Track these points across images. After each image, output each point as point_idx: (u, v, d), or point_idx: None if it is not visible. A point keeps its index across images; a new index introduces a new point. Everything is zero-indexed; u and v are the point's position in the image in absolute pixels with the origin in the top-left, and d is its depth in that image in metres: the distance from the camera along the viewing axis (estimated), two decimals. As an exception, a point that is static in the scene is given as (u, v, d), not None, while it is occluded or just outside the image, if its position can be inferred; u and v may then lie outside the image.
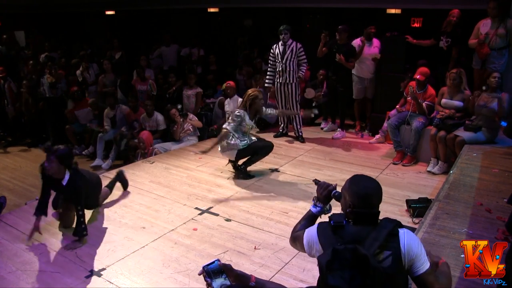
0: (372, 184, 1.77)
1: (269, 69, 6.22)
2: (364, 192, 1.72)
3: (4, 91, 8.16)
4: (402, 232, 1.69)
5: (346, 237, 1.66)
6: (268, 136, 6.50)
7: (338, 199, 1.96)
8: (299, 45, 5.92)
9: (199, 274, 1.59)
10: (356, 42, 6.27)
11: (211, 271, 1.55)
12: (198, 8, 9.73)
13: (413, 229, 3.11)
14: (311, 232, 1.82)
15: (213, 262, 1.57)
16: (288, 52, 5.88)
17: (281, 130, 6.46)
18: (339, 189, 1.99)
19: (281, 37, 5.87)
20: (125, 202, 4.15)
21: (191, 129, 6.41)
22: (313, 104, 6.89)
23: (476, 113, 4.79)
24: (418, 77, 5.20)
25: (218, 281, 1.53)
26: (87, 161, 6.88)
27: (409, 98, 5.31)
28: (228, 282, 1.54)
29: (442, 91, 5.18)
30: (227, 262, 3.06)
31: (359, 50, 6.17)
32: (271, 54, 6.11)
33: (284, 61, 5.91)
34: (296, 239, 1.95)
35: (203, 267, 1.55)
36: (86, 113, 7.38)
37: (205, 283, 1.59)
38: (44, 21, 12.26)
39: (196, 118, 6.56)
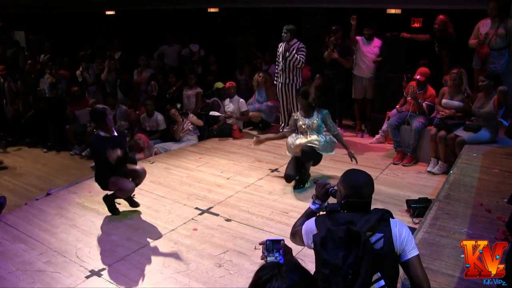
0: (364, 176, 1.91)
1: (276, 67, 6.24)
2: (356, 184, 1.87)
3: (4, 90, 8.15)
4: (393, 219, 1.82)
5: (340, 220, 1.77)
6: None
7: (334, 195, 2.08)
8: (301, 45, 5.92)
9: (260, 244, 1.64)
10: (359, 39, 6.27)
11: (272, 247, 1.60)
12: (198, 8, 9.72)
13: (413, 229, 3.12)
14: (309, 223, 1.92)
15: (279, 240, 1.62)
16: (291, 54, 5.86)
17: (281, 130, 6.45)
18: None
19: (282, 36, 5.86)
20: (125, 202, 4.14)
21: (191, 128, 6.41)
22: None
23: (474, 114, 4.80)
24: (418, 77, 5.20)
25: (272, 259, 1.58)
26: (87, 161, 6.87)
27: (409, 98, 5.32)
28: (282, 261, 1.57)
29: (442, 91, 5.18)
30: (227, 262, 3.09)
31: (352, 31, 6.13)
32: (277, 53, 6.12)
33: (283, 61, 5.91)
34: (295, 233, 2.08)
35: (266, 240, 1.61)
36: (86, 113, 7.37)
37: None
38: (44, 21, 12.25)
39: (196, 117, 6.57)
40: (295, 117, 4.60)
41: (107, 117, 3.79)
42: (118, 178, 3.84)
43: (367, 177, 1.91)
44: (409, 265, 1.75)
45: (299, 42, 5.93)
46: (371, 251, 1.65)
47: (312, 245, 1.82)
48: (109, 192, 3.97)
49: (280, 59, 5.97)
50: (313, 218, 1.91)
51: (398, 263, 1.79)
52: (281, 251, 1.59)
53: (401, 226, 1.79)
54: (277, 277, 1.18)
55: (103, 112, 3.80)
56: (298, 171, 4.46)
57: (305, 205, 4.04)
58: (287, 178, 4.43)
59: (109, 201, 3.95)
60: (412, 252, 1.76)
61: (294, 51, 5.84)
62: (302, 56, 5.86)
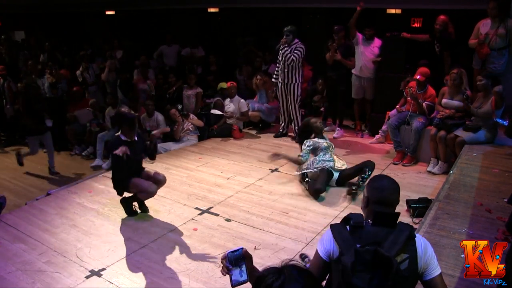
0: (389, 181, 1.84)
1: (276, 67, 6.22)
2: (380, 186, 1.80)
3: (4, 90, 8.15)
4: (418, 236, 1.75)
5: (365, 238, 1.67)
6: (268, 136, 6.52)
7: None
8: (299, 45, 5.88)
9: (222, 259, 1.58)
10: (360, 36, 6.25)
11: (234, 259, 1.55)
12: (198, 8, 9.73)
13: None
14: (324, 239, 1.79)
15: (238, 249, 1.57)
16: (285, 52, 5.83)
17: (281, 130, 6.46)
18: None
19: (283, 38, 5.83)
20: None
21: (191, 128, 6.41)
22: (312, 103, 6.90)
23: (473, 114, 4.80)
24: (418, 77, 5.20)
25: (236, 272, 1.54)
26: (87, 161, 6.87)
27: (409, 98, 5.32)
28: (245, 277, 1.54)
29: (442, 91, 5.18)
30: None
31: (353, 18, 6.04)
32: (279, 54, 6.10)
33: (283, 61, 5.89)
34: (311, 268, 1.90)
35: (228, 253, 1.56)
36: (86, 113, 7.38)
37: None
38: (44, 21, 12.25)
39: (196, 118, 6.56)
40: (314, 141, 4.58)
41: (135, 126, 3.80)
42: (139, 180, 3.80)
43: (392, 182, 1.84)
44: (432, 284, 1.71)
45: (298, 42, 5.91)
46: (401, 277, 1.59)
47: (333, 255, 1.73)
48: (127, 194, 3.96)
49: (281, 59, 5.96)
50: (327, 231, 1.79)
51: (416, 282, 1.75)
52: (243, 263, 1.55)
53: (425, 245, 1.73)
54: (289, 280, 1.19)
55: (132, 119, 3.78)
56: (326, 185, 4.38)
57: (305, 205, 4.07)
58: (318, 192, 4.23)
59: (127, 204, 3.93)
60: (435, 271, 1.71)
61: (290, 52, 5.80)
62: (295, 55, 5.81)
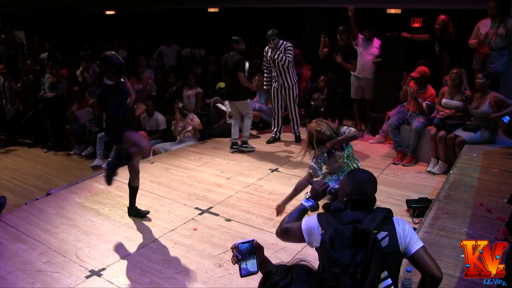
0: (367, 174, 1.98)
1: (265, 71, 6.17)
2: (359, 180, 1.91)
3: (4, 90, 8.15)
4: (395, 218, 1.84)
5: (345, 219, 1.76)
6: (268, 136, 6.50)
7: (333, 195, 2.10)
8: (287, 44, 5.75)
9: (232, 248, 1.58)
10: (360, 37, 6.24)
11: (244, 250, 1.56)
12: (198, 8, 9.73)
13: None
14: (311, 221, 1.88)
15: (250, 241, 1.57)
16: (278, 55, 5.70)
17: (273, 135, 6.26)
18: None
19: (269, 44, 5.68)
20: (125, 202, 4.14)
21: (191, 133, 6.37)
22: (312, 103, 6.89)
23: (471, 114, 4.80)
24: (413, 74, 5.20)
25: (247, 262, 1.55)
26: (87, 161, 6.88)
27: (409, 98, 5.32)
28: (255, 269, 1.55)
29: (442, 91, 5.18)
30: (227, 262, 3.09)
31: (351, 23, 6.03)
32: (264, 58, 6.02)
33: (276, 66, 5.79)
34: (288, 230, 1.98)
35: (238, 243, 1.56)
36: (86, 113, 7.39)
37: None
38: (44, 21, 12.25)
39: (197, 118, 6.52)
40: (326, 159, 3.51)
41: (121, 71, 3.61)
42: (131, 132, 3.73)
43: (370, 175, 1.96)
44: (417, 257, 1.74)
45: (285, 42, 5.76)
46: (380, 248, 1.66)
47: (315, 244, 1.81)
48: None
49: (271, 64, 5.86)
50: (314, 216, 1.87)
51: (401, 261, 1.81)
52: (254, 254, 1.56)
53: (403, 224, 1.81)
54: (297, 280, 1.20)
55: (119, 64, 3.55)
56: None
57: (305, 205, 4.06)
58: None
59: (135, 210, 3.93)
60: (417, 244, 1.76)
61: (282, 53, 5.73)
62: (288, 55, 5.74)
